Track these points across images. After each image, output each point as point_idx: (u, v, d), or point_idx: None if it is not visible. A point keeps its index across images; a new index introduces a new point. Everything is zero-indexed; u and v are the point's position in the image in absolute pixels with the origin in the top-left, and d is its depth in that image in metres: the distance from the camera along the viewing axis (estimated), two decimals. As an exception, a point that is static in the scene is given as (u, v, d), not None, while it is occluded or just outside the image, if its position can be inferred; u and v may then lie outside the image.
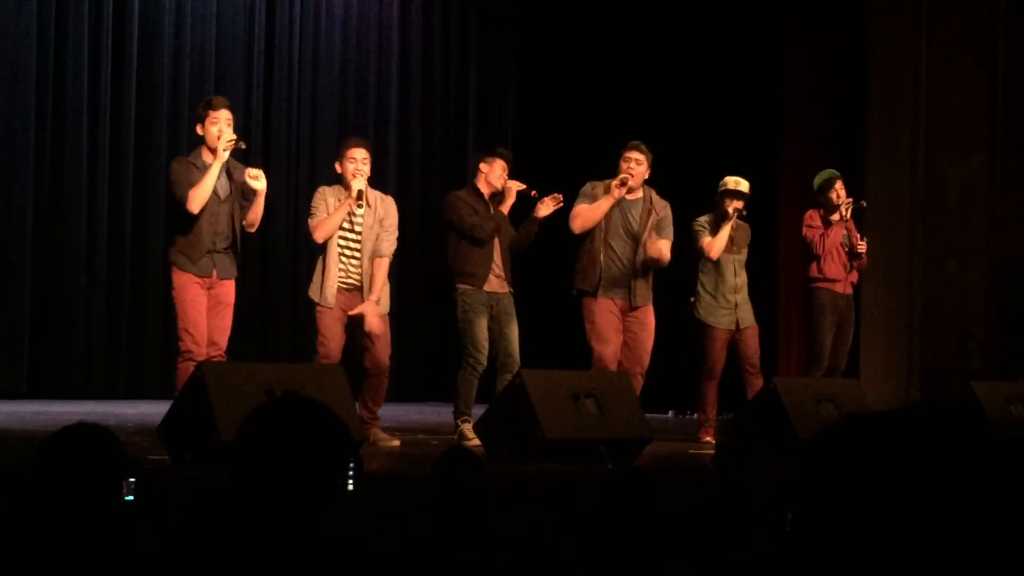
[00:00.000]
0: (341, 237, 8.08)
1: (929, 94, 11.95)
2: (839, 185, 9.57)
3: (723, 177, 9.29)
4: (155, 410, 7.71)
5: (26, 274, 11.27)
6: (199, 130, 7.70)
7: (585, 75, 13.46)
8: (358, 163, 8.08)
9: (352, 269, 8.10)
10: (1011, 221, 11.76)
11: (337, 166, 8.19)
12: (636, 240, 8.64)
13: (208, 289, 7.60)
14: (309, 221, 8.14)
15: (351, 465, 3.61)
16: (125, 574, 2.88)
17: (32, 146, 11.28)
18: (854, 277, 9.71)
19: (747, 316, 9.27)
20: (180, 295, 7.58)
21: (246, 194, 7.72)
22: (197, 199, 7.50)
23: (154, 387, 11.29)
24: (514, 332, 8.42)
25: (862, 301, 10.80)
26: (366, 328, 8.04)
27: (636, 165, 8.57)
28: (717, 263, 9.17)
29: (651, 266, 8.67)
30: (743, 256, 9.32)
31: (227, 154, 7.55)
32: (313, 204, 8.14)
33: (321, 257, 8.11)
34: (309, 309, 8.22)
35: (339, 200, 8.05)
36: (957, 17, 11.99)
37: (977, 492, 1.65)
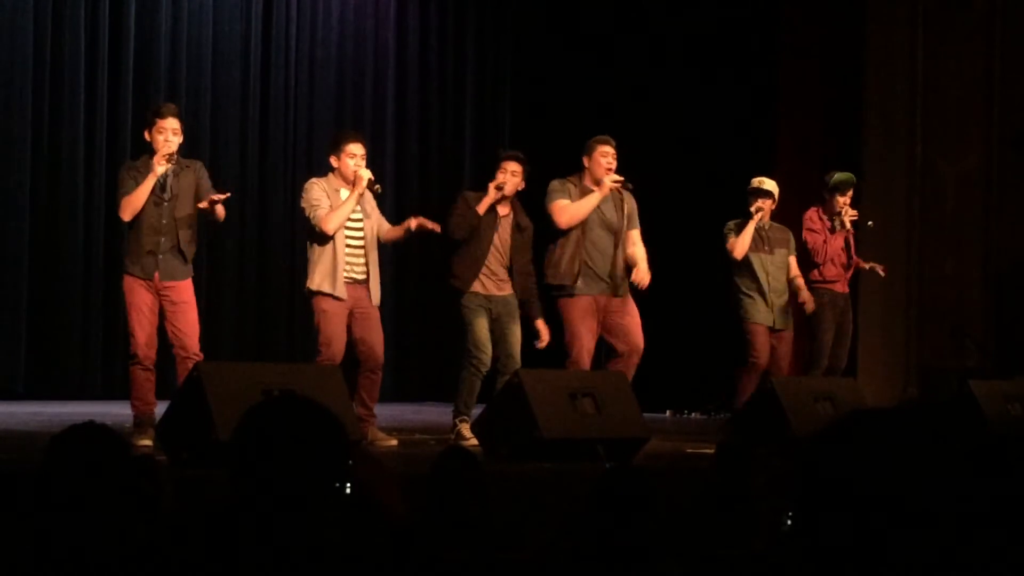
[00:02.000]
0: (346, 229, 8.06)
1: (926, 91, 11.95)
2: (850, 193, 9.59)
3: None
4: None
5: (23, 274, 11.26)
6: (147, 135, 7.69)
7: (581, 71, 13.44)
8: (358, 158, 8.08)
9: (356, 262, 8.08)
10: (1008, 219, 11.75)
11: (333, 159, 8.15)
12: (616, 233, 8.64)
13: (157, 293, 7.60)
14: (314, 213, 7.96)
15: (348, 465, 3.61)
16: (131, 571, 2.89)
17: (29, 145, 11.27)
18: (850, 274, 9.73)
19: (782, 320, 9.28)
20: (127, 298, 7.68)
21: (200, 196, 7.74)
22: (128, 207, 7.58)
23: (152, 388, 11.27)
24: (516, 334, 8.39)
25: (859, 299, 10.81)
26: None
27: (613, 160, 8.60)
28: (748, 264, 9.17)
29: (631, 264, 8.68)
30: (778, 258, 9.30)
31: (163, 169, 7.52)
32: (313, 197, 8.00)
33: (326, 249, 7.99)
34: (307, 303, 8.17)
35: (335, 191, 8.03)
36: (953, 13, 11.99)
37: (973, 489, 1.64)
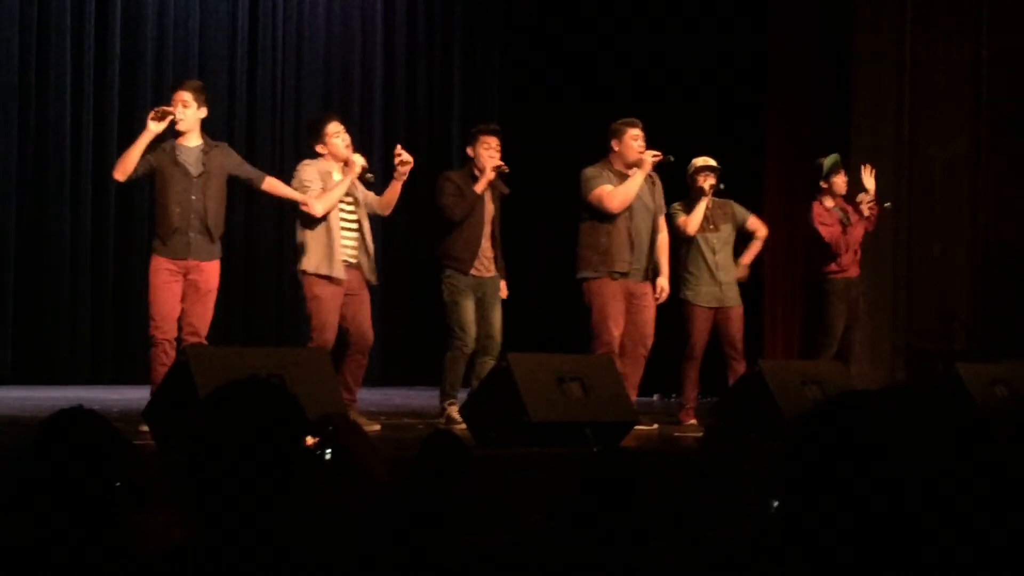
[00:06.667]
0: (340, 211, 8.01)
1: (913, 75, 11.95)
2: (842, 172, 9.52)
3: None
4: (140, 395, 7.70)
5: (10, 259, 11.24)
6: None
7: (570, 55, 13.44)
8: (342, 133, 8.08)
9: (349, 245, 8.04)
10: (995, 202, 11.78)
11: (319, 147, 8.09)
12: (654, 216, 8.67)
13: (185, 274, 7.55)
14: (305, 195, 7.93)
15: (319, 438, 3.65)
16: (120, 556, 2.89)
17: (15, 131, 11.25)
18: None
19: (732, 296, 9.10)
20: (151, 279, 7.55)
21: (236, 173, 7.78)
22: (119, 165, 7.62)
23: (139, 373, 11.24)
24: (497, 316, 8.41)
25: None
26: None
27: (643, 141, 8.58)
28: (693, 242, 9.02)
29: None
30: (723, 234, 9.10)
31: (155, 127, 7.49)
32: (305, 177, 7.96)
33: (319, 231, 7.92)
34: (298, 286, 8.10)
35: (328, 173, 8.00)
36: (941, -2, 12.01)
37: (960, 472, 1.64)
